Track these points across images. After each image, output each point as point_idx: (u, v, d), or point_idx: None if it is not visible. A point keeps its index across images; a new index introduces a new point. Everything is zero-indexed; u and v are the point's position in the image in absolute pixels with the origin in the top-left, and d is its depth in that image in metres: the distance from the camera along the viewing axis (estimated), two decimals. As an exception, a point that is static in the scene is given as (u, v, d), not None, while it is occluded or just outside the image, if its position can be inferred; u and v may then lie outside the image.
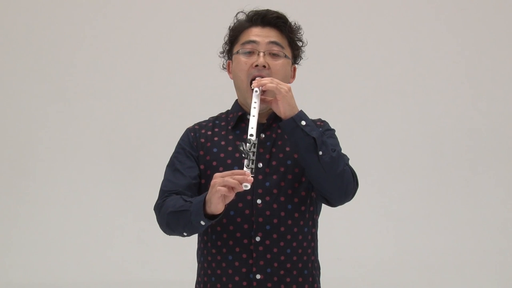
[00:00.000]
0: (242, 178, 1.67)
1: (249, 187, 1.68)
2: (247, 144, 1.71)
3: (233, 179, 1.67)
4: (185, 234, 1.84)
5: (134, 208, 4.15)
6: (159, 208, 1.90)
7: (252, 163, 1.70)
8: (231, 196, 1.70)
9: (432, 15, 4.32)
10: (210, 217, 1.75)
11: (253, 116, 1.79)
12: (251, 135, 1.74)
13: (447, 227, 4.19)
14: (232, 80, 2.01)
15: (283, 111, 1.80)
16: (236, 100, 2.04)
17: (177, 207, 1.82)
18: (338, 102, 4.24)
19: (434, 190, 4.24)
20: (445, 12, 4.32)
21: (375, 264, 4.11)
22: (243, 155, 1.71)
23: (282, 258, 1.89)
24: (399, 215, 4.20)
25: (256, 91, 1.83)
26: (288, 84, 1.84)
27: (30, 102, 4.30)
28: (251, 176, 1.67)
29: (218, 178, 1.70)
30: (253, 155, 1.70)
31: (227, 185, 1.68)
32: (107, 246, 4.17)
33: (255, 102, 1.82)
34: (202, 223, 1.75)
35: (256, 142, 1.72)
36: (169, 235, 1.91)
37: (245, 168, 1.69)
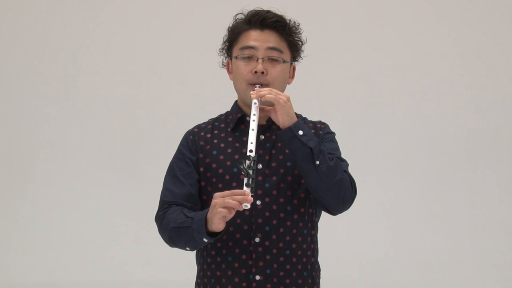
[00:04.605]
0: (242, 198, 1.69)
1: (249, 206, 1.70)
2: (247, 161, 1.71)
3: (233, 199, 1.69)
4: (187, 248, 1.87)
5: (134, 208, 4.15)
6: (161, 221, 1.92)
7: (252, 182, 1.70)
8: (231, 215, 1.72)
9: (431, 15, 4.32)
10: (212, 234, 1.78)
11: (252, 129, 1.80)
12: (251, 150, 1.75)
13: (447, 227, 4.19)
14: (232, 81, 2.02)
15: (282, 121, 1.82)
16: (236, 101, 2.05)
17: (179, 222, 1.83)
18: (338, 102, 4.24)
19: (434, 190, 4.24)
20: (445, 12, 4.32)
21: (375, 264, 4.12)
22: (243, 173, 1.71)
23: (282, 259, 1.89)
24: (399, 215, 4.20)
25: (255, 103, 1.84)
26: (287, 94, 1.85)
27: (30, 102, 4.30)
28: (251, 195, 1.69)
29: (218, 199, 1.72)
30: (253, 173, 1.70)
31: (227, 206, 1.69)
32: (107, 246, 4.17)
33: (254, 115, 1.83)
34: (205, 240, 1.78)
35: (255, 159, 1.72)
36: (172, 247, 1.93)
37: (244, 187, 1.70)
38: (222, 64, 2.08)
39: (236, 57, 1.95)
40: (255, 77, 1.92)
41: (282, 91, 1.94)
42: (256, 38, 1.93)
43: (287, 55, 1.96)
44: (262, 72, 1.91)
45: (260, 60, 1.92)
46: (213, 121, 2.05)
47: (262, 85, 1.91)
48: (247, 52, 1.93)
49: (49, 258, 4.16)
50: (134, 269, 4.14)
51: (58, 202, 4.23)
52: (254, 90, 1.87)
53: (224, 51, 2.05)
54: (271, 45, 1.93)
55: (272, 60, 1.93)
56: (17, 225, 4.24)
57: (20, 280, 4.12)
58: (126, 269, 4.14)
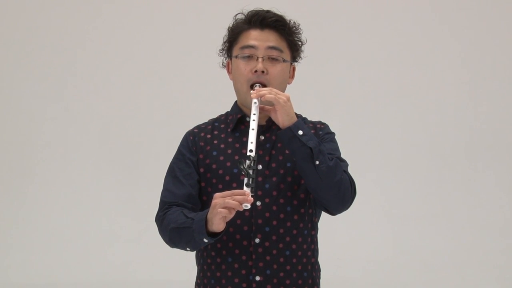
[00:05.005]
0: (242, 198, 1.69)
1: (249, 206, 1.70)
2: (247, 161, 1.71)
3: (233, 199, 1.69)
4: (188, 249, 1.87)
5: (134, 208, 4.16)
6: (161, 221, 1.92)
7: (252, 182, 1.70)
8: (232, 216, 1.72)
9: (431, 15, 4.32)
10: (212, 234, 1.78)
11: (252, 129, 1.80)
12: (251, 150, 1.74)
13: (447, 227, 4.19)
14: (232, 81, 2.01)
15: (281, 120, 1.82)
16: (236, 101, 2.04)
17: (179, 223, 1.83)
18: (338, 102, 4.24)
19: (434, 190, 4.24)
20: (445, 12, 4.32)
21: (375, 264, 4.11)
22: (243, 173, 1.70)
23: (282, 260, 1.89)
24: (399, 215, 4.20)
25: (255, 103, 1.84)
26: (287, 94, 1.85)
27: (30, 102, 4.30)
28: (251, 196, 1.69)
29: (219, 199, 1.72)
30: (253, 173, 1.70)
31: (227, 206, 1.69)
32: (107, 246, 4.17)
33: (254, 115, 1.82)
34: (205, 240, 1.78)
35: (255, 158, 1.72)
36: (172, 247, 1.93)
37: (245, 187, 1.70)
38: (222, 64, 2.08)
39: (236, 57, 1.95)
40: (255, 76, 1.92)
41: (282, 91, 1.93)
42: (256, 38, 1.93)
43: (287, 55, 1.96)
44: (262, 71, 1.91)
45: (260, 59, 1.92)
46: (213, 122, 2.05)
47: (262, 85, 1.91)
48: (247, 52, 1.93)
49: (49, 258, 4.16)
50: (134, 269, 4.14)
51: (58, 202, 4.23)
52: (254, 90, 1.87)
53: (224, 51, 2.04)
54: (271, 44, 1.93)
55: (272, 59, 1.93)
56: (17, 225, 4.24)
57: (20, 280, 4.12)
58: (126, 269, 4.14)
